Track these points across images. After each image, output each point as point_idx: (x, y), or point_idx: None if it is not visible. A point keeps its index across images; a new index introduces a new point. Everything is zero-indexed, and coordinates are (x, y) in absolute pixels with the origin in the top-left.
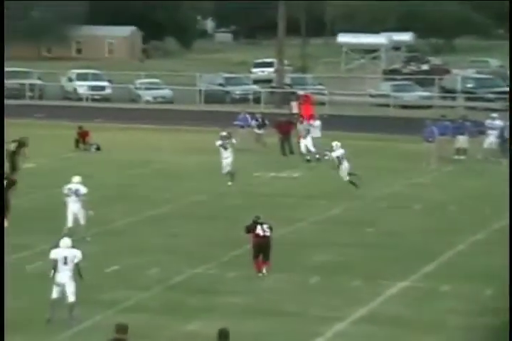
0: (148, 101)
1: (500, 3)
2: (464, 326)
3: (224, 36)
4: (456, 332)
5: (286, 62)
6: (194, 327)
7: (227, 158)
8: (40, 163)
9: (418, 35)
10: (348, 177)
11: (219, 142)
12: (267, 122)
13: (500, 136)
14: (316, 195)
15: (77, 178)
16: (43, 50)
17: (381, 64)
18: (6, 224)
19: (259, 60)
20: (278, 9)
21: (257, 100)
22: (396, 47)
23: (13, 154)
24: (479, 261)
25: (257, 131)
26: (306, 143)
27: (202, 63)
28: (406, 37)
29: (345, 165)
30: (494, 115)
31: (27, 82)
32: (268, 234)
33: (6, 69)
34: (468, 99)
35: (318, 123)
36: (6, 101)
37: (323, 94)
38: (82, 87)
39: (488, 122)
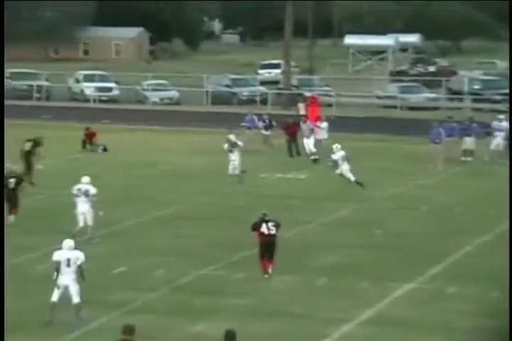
0: (155, 103)
1: (504, 4)
2: (471, 328)
3: (231, 37)
4: (462, 333)
5: (293, 63)
6: (201, 328)
7: (234, 160)
8: (48, 164)
9: (425, 37)
10: (353, 178)
11: (225, 146)
12: (274, 123)
13: (507, 138)
14: (323, 197)
15: (86, 178)
16: (50, 52)
17: (388, 65)
18: (12, 219)
19: (266, 62)
20: (285, 10)
21: (263, 101)
22: (403, 48)
23: (28, 154)
24: (486, 263)
25: (264, 132)
26: (308, 143)
27: (209, 64)
28: (413, 38)
29: (345, 167)
30: (501, 117)
31: (34, 83)
32: (273, 232)
33: (14, 70)
34: (475, 100)
35: (325, 124)
36: (14, 103)
37: (330, 96)
38: (89, 88)
39: (494, 124)
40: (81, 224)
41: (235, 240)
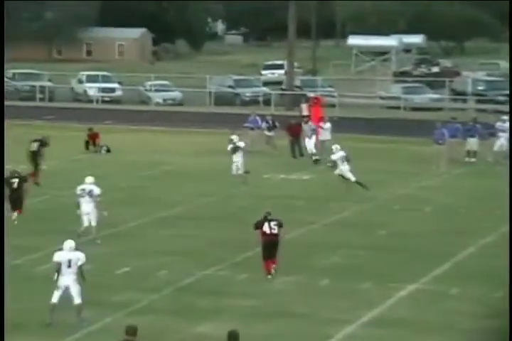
0: (158, 103)
1: (508, 5)
2: (474, 328)
3: (234, 38)
4: (465, 334)
5: (296, 64)
6: (204, 329)
7: (236, 161)
8: (51, 164)
9: (429, 38)
10: (354, 178)
11: (228, 146)
12: (277, 124)
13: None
14: (327, 197)
15: (90, 179)
16: (53, 52)
17: (391, 66)
18: (15, 215)
19: (270, 62)
20: (288, 11)
21: (267, 102)
22: (406, 49)
23: (34, 154)
24: (489, 264)
25: (267, 133)
26: (310, 144)
27: (212, 65)
28: (417, 39)
29: (345, 167)
30: (505, 117)
31: (37, 84)
32: (275, 231)
33: (17, 71)
34: (479, 101)
35: (328, 125)
36: (17, 103)
37: (333, 97)
38: (92, 89)
39: (498, 124)
40: (86, 224)
41: (239, 241)
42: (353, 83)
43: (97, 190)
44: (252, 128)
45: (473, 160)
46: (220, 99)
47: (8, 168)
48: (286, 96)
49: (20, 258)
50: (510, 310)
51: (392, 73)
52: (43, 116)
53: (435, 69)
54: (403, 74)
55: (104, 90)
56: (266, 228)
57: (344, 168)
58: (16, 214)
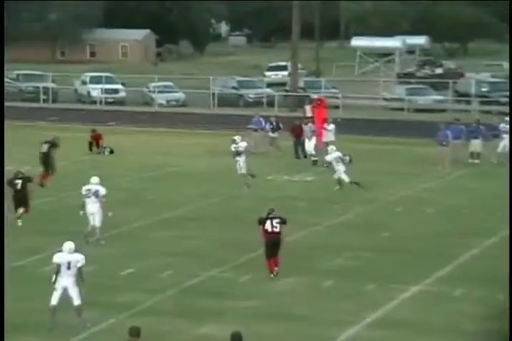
0: (161, 105)
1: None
2: (478, 330)
3: (238, 39)
4: (469, 336)
5: (300, 65)
6: (207, 330)
7: (238, 161)
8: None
9: (432, 39)
10: (348, 179)
11: (232, 147)
12: (281, 126)
13: None
14: (330, 199)
15: (95, 179)
16: (57, 53)
17: (395, 67)
18: (20, 211)
19: (273, 64)
20: (292, 12)
21: (270, 103)
22: (410, 50)
23: (45, 155)
24: (493, 265)
25: (271, 134)
26: (310, 145)
27: (215, 66)
28: (420, 40)
29: (341, 168)
30: (508, 119)
31: (41, 85)
32: (277, 229)
33: (21, 72)
34: (483, 102)
35: (332, 126)
36: (21, 104)
37: (337, 98)
38: (95, 90)
39: (502, 126)
40: (92, 222)
41: (242, 242)
42: (357, 84)
43: (102, 191)
44: (255, 130)
45: (476, 161)
46: (224, 101)
47: (11, 169)
48: (289, 97)
49: (24, 259)
50: (510, 311)
51: (396, 74)
52: (47, 117)
53: (439, 71)
54: (407, 75)
55: (107, 91)
56: (268, 226)
57: (340, 169)
58: (21, 211)
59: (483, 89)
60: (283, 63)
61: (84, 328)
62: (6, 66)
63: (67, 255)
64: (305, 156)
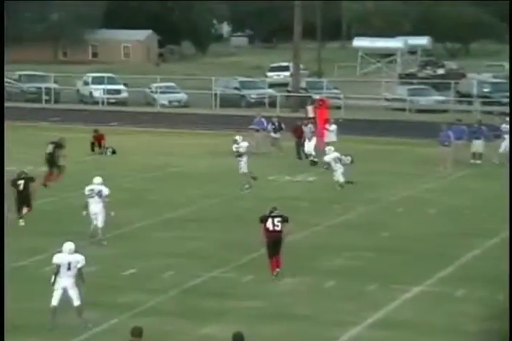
0: (163, 105)
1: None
2: (479, 330)
3: (239, 40)
4: (471, 336)
5: (301, 66)
6: (209, 331)
7: (240, 160)
8: None
9: (434, 39)
10: (342, 179)
11: (233, 147)
12: (283, 126)
13: None
14: (331, 199)
15: (98, 179)
16: (59, 54)
17: (397, 68)
18: (24, 211)
19: (275, 64)
20: (294, 13)
21: (272, 104)
22: (412, 51)
23: (50, 155)
24: (495, 266)
25: (273, 134)
26: (310, 146)
27: (217, 67)
28: (422, 41)
29: (338, 168)
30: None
31: (43, 85)
32: (278, 228)
33: (23, 72)
34: (484, 103)
35: (333, 127)
36: (23, 105)
37: (338, 98)
38: (97, 91)
39: (503, 126)
40: (95, 222)
41: (244, 242)
42: (359, 85)
43: (105, 191)
44: (257, 130)
45: (478, 162)
46: (226, 101)
47: (13, 169)
48: (291, 98)
49: (26, 260)
50: (510, 312)
51: (398, 75)
52: (49, 117)
53: (440, 71)
54: (409, 76)
55: (109, 92)
56: (269, 224)
57: (337, 170)
58: (25, 211)
59: (485, 90)
60: (285, 64)
61: (86, 328)
62: (8, 67)
63: (67, 255)
64: (307, 157)
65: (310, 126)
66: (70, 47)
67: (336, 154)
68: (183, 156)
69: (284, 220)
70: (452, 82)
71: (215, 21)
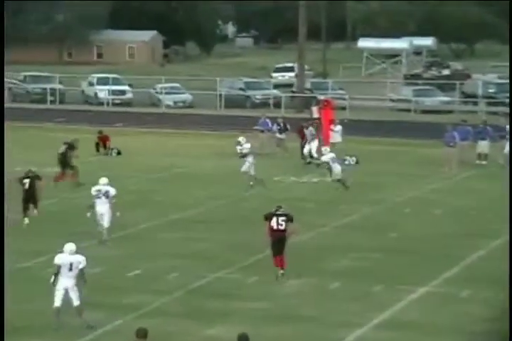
0: (168, 106)
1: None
2: (484, 331)
3: (244, 41)
4: (476, 337)
5: (306, 66)
6: (214, 332)
7: (248, 161)
8: None
9: (439, 40)
10: (338, 177)
11: (237, 148)
12: (288, 127)
13: None
14: (337, 200)
15: (104, 180)
16: (64, 55)
17: (402, 69)
18: (35, 212)
19: (280, 65)
20: (299, 13)
21: (277, 105)
22: (417, 51)
23: (62, 156)
24: (500, 266)
25: (278, 135)
26: (310, 148)
27: (222, 68)
28: (427, 42)
29: (337, 168)
30: None
31: (48, 86)
32: (282, 227)
33: (28, 73)
34: (490, 104)
35: (339, 128)
36: (28, 106)
37: (343, 99)
38: (102, 92)
39: (509, 127)
40: (101, 222)
41: (249, 243)
42: (364, 86)
43: (112, 191)
44: (262, 131)
45: (484, 162)
46: (231, 102)
47: (18, 169)
48: (296, 98)
49: (30, 261)
50: (510, 313)
51: (403, 76)
52: (54, 118)
53: (446, 72)
54: (414, 76)
55: (114, 93)
56: (273, 223)
57: (336, 169)
58: (35, 212)
59: (490, 91)
60: (290, 64)
61: (90, 329)
62: (13, 67)
63: (69, 256)
64: (303, 158)
65: (311, 128)
66: (75, 48)
67: (333, 154)
68: (189, 157)
69: (289, 219)
70: (457, 82)
71: (220, 22)
